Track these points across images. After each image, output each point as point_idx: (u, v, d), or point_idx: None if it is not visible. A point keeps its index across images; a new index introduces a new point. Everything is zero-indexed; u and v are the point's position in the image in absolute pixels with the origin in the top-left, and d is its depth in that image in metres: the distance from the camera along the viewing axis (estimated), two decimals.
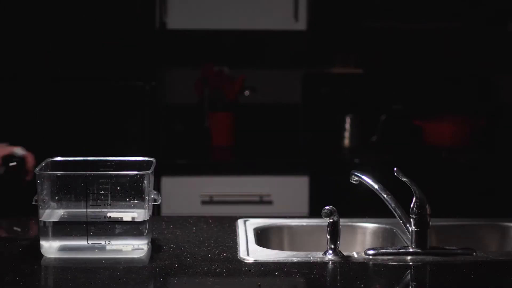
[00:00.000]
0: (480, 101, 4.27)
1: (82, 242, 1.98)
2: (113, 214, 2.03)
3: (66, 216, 2.03)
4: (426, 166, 3.79)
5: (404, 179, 2.04)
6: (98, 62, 3.57)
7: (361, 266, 1.97)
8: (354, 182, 2.13)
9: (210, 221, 2.39)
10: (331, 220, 2.03)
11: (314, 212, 3.58)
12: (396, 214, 2.07)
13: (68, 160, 2.10)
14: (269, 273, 1.90)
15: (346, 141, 4.11)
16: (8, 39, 3.67)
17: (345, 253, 2.03)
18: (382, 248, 2.07)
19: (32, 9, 3.61)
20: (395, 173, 2.05)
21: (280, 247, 2.31)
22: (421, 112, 4.20)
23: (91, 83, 3.58)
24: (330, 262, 1.99)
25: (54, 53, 3.58)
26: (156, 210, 3.10)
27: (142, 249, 2.00)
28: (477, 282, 1.88)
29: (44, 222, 1.97)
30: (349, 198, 2.96)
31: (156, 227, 2.27)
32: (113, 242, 2.00)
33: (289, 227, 2.38)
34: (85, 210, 1.97)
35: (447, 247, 2.07)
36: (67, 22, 3.62)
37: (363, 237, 2.36)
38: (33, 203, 1.99)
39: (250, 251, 2.06)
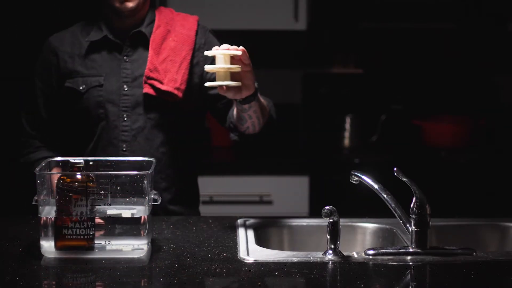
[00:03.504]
0: (480, 101, 4.27)
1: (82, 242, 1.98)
2: (113, 213, 2.03)
3: None
4: (426, 166, 3.79)
5: (404, 179, 2.04)
6: None
7: (361, 266, 1.97)
8: (354, 182, 2.13)
9: (210, 221, 2.39)
10: (331, 220, 2.03)
11: (314, 212, 3.59)
12: (396, 214, 2.07)
13: (68, 160, 2.10)
14: (269, 273, 1.90)
15: (346, 141, 4.11)
16: (8, 40, 3.67)
17: (345, 253, 2.03)
18: (382, 248, 2.07)
19: (32, 9, 3.61)
20: (395, 173, 2.05)
21: (280, 247, 2.31)
22: (421, 112, 4.20)
23: None
24: (330, 262, 1.99)
25: None
26: None
27: (142, 249, 2.00)
28: (477, 282, 1.88)
29: (44, 221, 1.97)
30: (349, 198, 2.96)
31: (156, 227, 2.27)
32: (113, 242, 2.00)
33: (289, 227, 2.38)
34: (85, 209, 1.96)
35: (447, 247, 2.07)
36: (67, 23, 3.62)
37: (363, 237, 2.36)
38: (33, 203, 1.99)
39: (250, 251, 2.06)
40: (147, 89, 2.48)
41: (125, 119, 2.49)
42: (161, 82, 2.47)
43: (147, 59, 2.50)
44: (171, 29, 2.56)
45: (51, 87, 2.54)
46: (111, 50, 2.53)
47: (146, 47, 2.53)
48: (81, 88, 2.49)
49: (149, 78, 2.47)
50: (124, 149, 2.49)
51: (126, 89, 2.50)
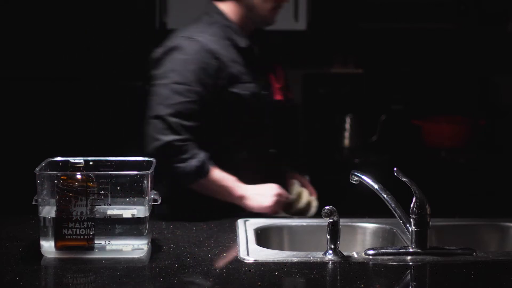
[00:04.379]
0: (480, 101, 4.27)
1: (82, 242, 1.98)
2: (113, 213, 2.03)
3: None
4: (426, 166, 3.79)
5: (404, 179, 2.04)
6: (98, 62, 3.57)
7: (361, 266, 1.97)
8: (354, 182, 2.13)
9: (210, 221, 2.39)
10: (331, 220, 2.03)
11: None
12: (396, 214, 2.07)
13: (68, 160, 2.10)
14: (269, 273, 1.90)
15: (346, 141, 4.11)
16: (8, 39, 3.67)
17: (345, 253, 2.03)
18: (382, 248, 2.07)
19: (32, 9, 3.61)
20: (395, 173, 2.05)
21: (280, 247, 2.31)
22: (421, 112, 4.20)
23: (92, 83, 3.58)
24: (330, 262, 1.99)
25: (56, 53, 3.58)
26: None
27: (142, 249, 2.00)
28: (477, 282, 1.88)
29: (44, 220, 1.97)
30: (349, 198, 2.96)
31: (156, 227, 2.27)
32: (113, 242, 2.00)
33: (289, 227, 2.38)
34: (85, 209, 1.96)
35: (447, 247, 2.07)
36: (68, 22, 3.62)
37: (363, 237, 2.36)
38: (33, 203, 1.99)
39: (250, 251, 2.06)
40: (281, 97, 2.72)
41: (270, 124, 2.63)
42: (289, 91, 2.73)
43: (262, 65, 2.64)
44: None
45: (212, 92, 2.46)
46: (249, 56, 2.58)
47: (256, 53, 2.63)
48: (250, 94, 2.52)
49: (285, 87, 2.74)
50: (273, 152, 2.64)
51: (268, 95, 2.65)
